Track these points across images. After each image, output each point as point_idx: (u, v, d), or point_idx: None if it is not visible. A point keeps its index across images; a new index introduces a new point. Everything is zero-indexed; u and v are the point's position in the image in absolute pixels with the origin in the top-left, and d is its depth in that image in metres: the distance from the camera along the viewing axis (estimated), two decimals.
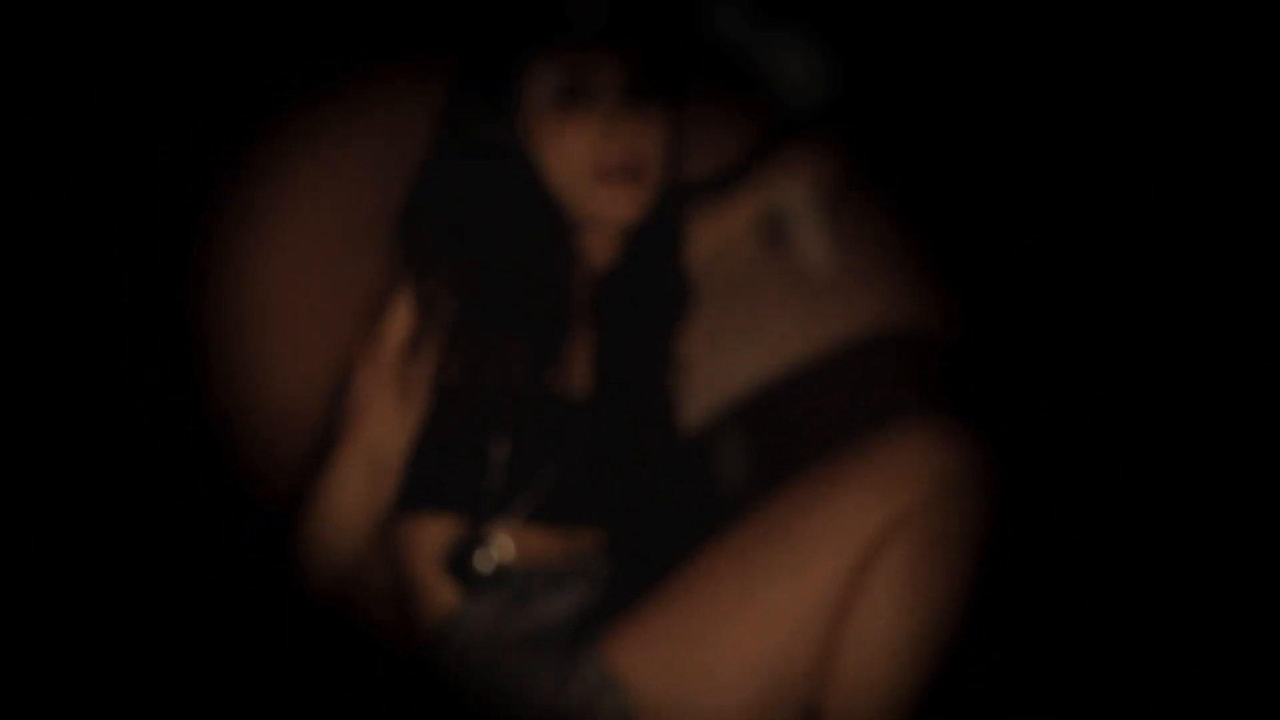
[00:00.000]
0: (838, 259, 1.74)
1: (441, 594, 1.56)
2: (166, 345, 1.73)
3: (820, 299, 1.82)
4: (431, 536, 1.56)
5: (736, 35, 1.71)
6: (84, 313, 1.70)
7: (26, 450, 1.65)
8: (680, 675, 1.45)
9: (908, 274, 1.82)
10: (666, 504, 1.65)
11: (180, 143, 1.72)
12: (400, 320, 1.53)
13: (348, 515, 1.55)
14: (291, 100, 1.75)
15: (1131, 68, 1.69)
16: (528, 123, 1.55)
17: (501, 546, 1.55)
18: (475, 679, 1.52)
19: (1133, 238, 1.73)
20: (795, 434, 1.82)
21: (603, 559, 1.61)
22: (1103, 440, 1.71)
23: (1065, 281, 1.74)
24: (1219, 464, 1.68)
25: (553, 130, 1.54)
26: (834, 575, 1.44)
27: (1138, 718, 1.60)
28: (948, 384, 1.80)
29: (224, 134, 1.73)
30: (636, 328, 1.66)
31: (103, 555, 1.65)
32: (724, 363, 1.84)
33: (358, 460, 1.54)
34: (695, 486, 1.79)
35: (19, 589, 1.61)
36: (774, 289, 1.83)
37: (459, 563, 1.54)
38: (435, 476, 1.55)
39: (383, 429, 1.54)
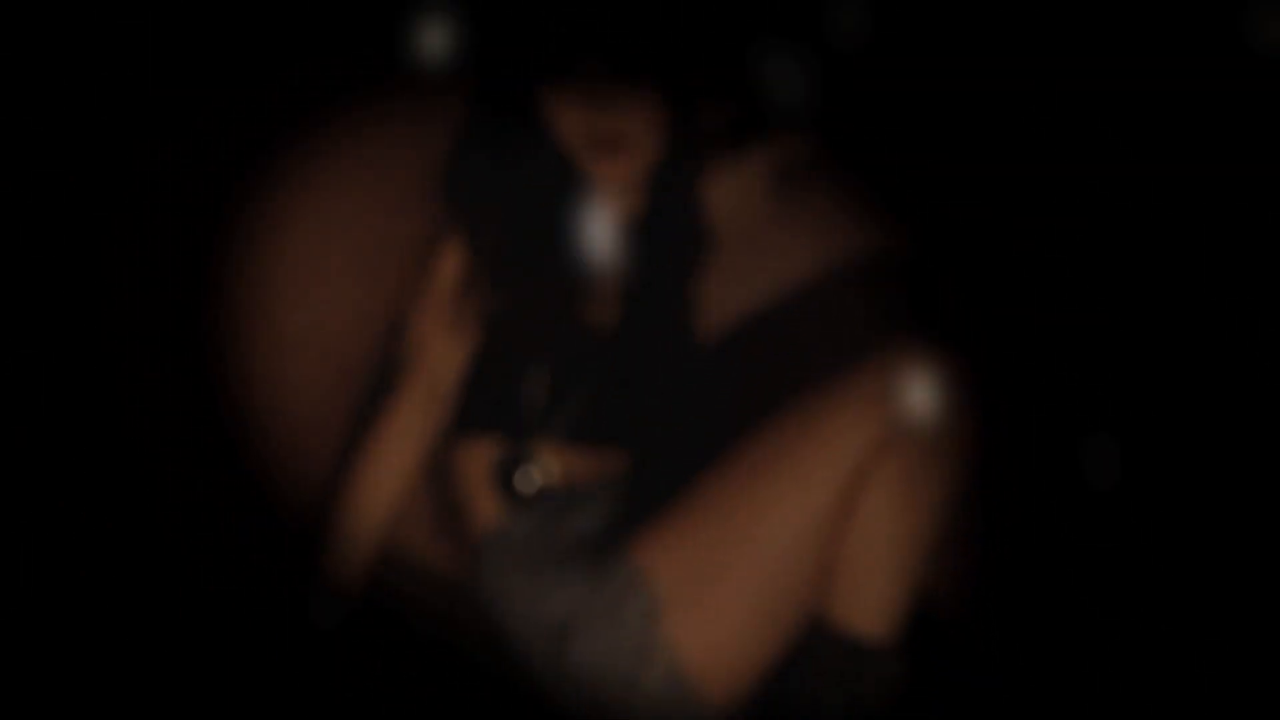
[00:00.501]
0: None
1: (486, 510, 1.66)
2: (182, 345, 1.79)
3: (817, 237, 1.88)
4: (476, 458, 1.68)
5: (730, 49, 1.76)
6: (96, 312, 1.75)
7: (52, 439, 1.71)
8: (699, 573, 1.53)
9: (888, 214, 1.85)
10: (685, 424, 1.74)
11: (196, 144, 1.79)
12: (450, 265, 1.69)
13: (403, 450, 1.68)
14: (311, 102, 1.82)
15: (1128, 68, 1.70)
16: (541, 99, 1.71)
17: (543, 465, 1.66)
18: (513, 591, 1.62)
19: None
20: (794, 357, 1.88)
21: (630, 478, 1.70)
22: (1080, 355, 1.72)
23: (1040, 207, 1.73)
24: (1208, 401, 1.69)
25: (554, 107, 1.70)
26: (831, 486, 1.53)
27: (1119, 640, 1.66)
28: (929, 310, 1.82)
29: (240, 138, 1.80)
30: (659, 268, 1.74)
31: (119, 556, 1.70)
32: (735, 296, 1.89)
33: (419, 393, 1.68)
34: (711, 408, 1.79)
35: (38, 587, 1.66)
36: (778, 232, 1.88)
37: (505, 479, 1.65)
38: (482, 402, 1.68)
39: (440, 361, 1.69)
